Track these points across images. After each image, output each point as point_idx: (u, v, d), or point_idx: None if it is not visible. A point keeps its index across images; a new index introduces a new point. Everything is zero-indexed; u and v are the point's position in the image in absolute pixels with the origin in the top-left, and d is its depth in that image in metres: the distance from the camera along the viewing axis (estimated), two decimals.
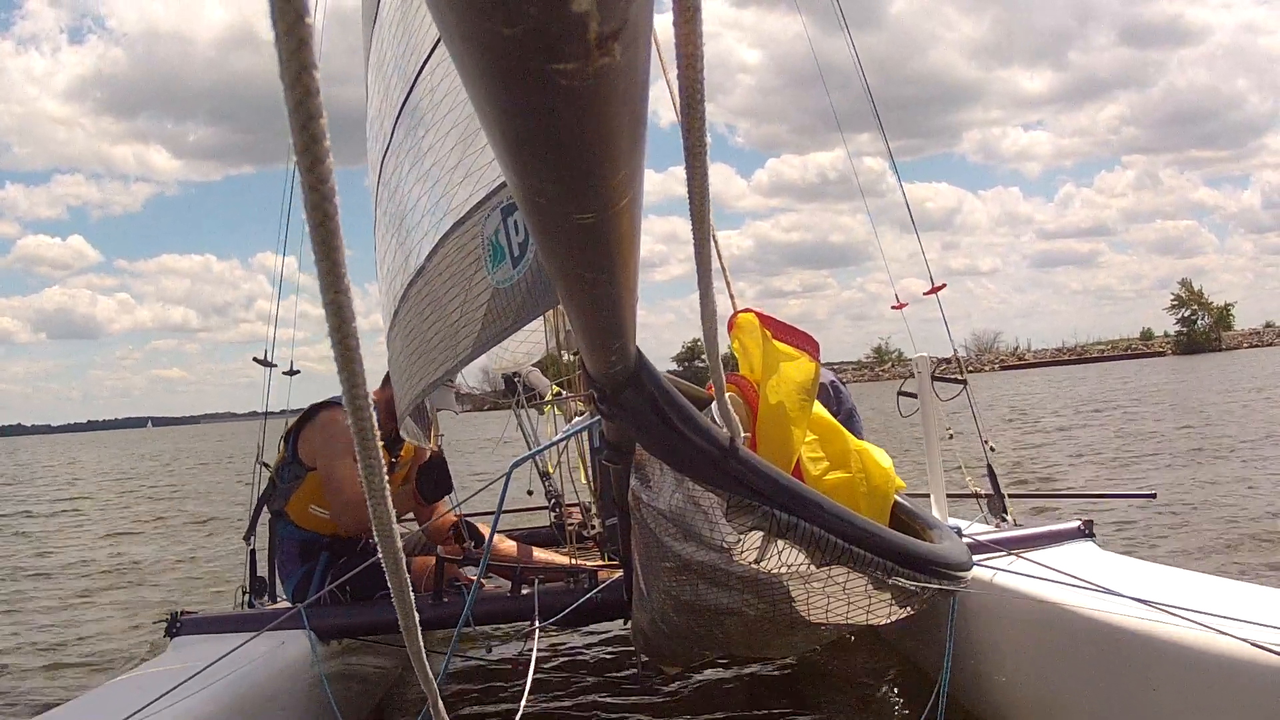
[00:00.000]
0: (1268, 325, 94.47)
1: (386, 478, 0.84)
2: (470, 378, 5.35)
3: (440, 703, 1.20)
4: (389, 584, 0.97)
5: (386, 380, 3.55)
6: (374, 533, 0.90)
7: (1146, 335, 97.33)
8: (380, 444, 0.83)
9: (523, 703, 2.78)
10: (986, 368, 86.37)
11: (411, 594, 1.00)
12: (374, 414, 0.80)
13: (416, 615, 1.02)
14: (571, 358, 4.93)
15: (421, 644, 1.07)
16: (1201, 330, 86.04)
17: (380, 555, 0.93)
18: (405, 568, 0.96)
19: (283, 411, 4.96)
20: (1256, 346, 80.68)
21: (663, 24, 0.80)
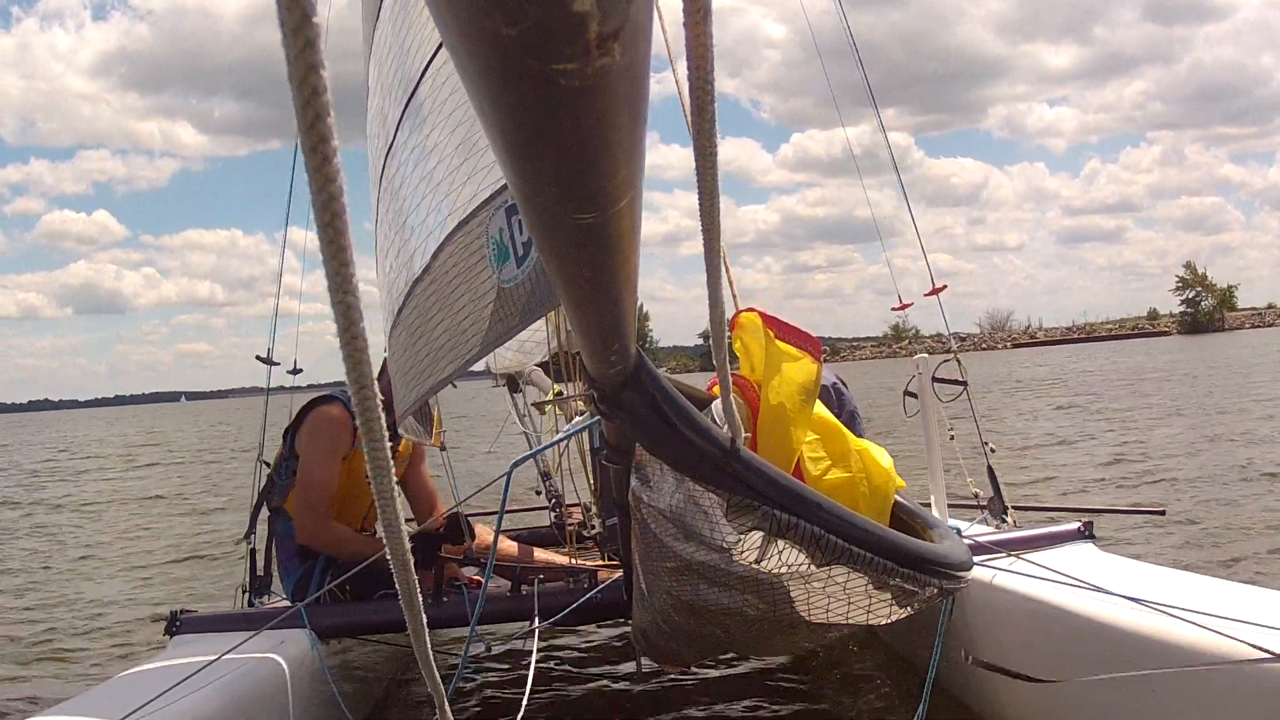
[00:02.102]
0: (1269, 306, 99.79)
1: (395, 480, 0.83)
2: (500, 359, 5.36)
3: (447, 705, 1.19)
4: (397, 587, 0.95)
5: (384, 369, 3.51)
6: (382, 533, 0.89)
7: (1153, 315, 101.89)
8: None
9: (524, 703, 2.78)
10: (999, 345, 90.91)
11: (420, 597, 0.99)
12: (380, 414, 0.79)
13: (424, 618, 1.02)
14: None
15: (429, 647, 1.06)
16: (1205, 311, 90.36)
17: (389, 557, 0.92)
18: (414, 570, 0.95)
19: (293, 387, 4.98)
20: (1259, 327, 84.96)
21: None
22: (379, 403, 0.78)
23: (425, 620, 1.02)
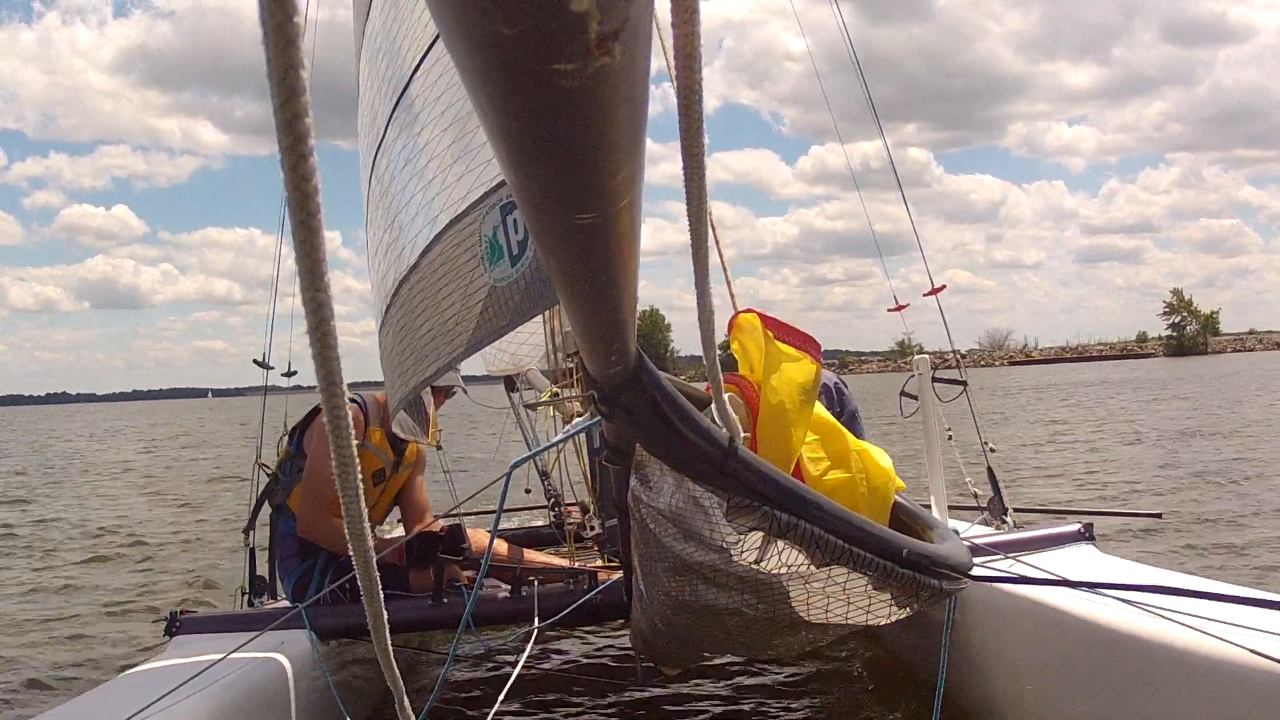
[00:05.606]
0: (1250, 332, 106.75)
1: (359, 472, 0.87)
2: (497, 359, 5.37)
3: (405, 699, 1.24)
4: (359, 581, 1.01)
5: None
6: (345, 526, 0.93)
7: (1142, 338, 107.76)
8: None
9: (500, 696, 2.79)
10: (996, 363, 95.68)
11: (380, 590, 1.04)
12: (349, 409, 0.82)
13: (384, 613, 1.07)
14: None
15: (389, 640, 1.12)
16: (1190, 335, 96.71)
17: (350, 549, 0.96)
18: (375, 564, 1.00)
19: (292, 386, 4.99)
20: (1239, 351, 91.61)
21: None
22: (346, 397, 0.80)
23: (385, 616, 1.07)
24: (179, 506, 12.94)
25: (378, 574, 1.01)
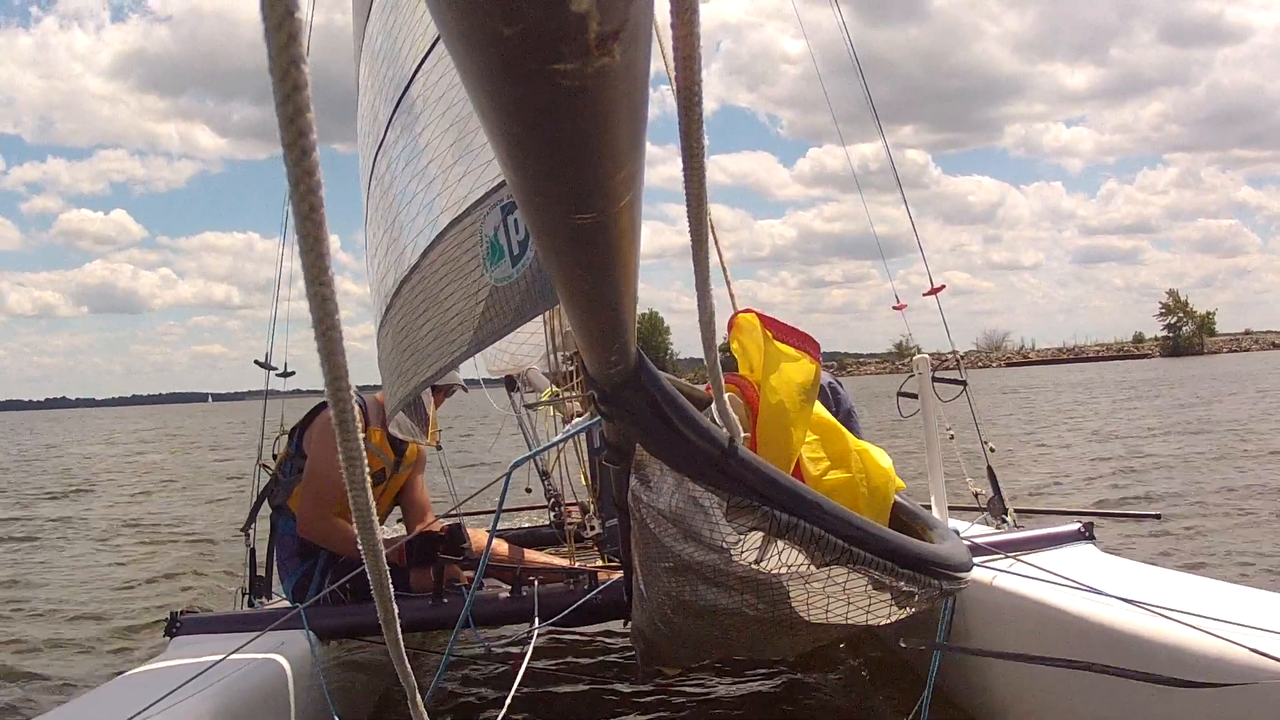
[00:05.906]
0: (1246, 332, 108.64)
1: (368, 469, 0.87)
2: (497, 359, 5.37)
3: (418, 695, 1.23)
4: (369, 576, 0.99)
5: None
6: (354, 523, 0.93)
7: (1138, 339, 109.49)
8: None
9: (508, 700, 2.78)
10: (993, 364, 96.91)
11: (390, 586, 1.03)
12: (356, 406, 0.83)
13: (395, 607, 1.05)
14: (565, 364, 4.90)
15: (400, 635, 1.10)
16: (1186, 336, 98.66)
17: (359, 545, 0.95)
18: (385, 560, 0.99)
19: (290, 390, 5.01)
20: (1235, 351, 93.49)
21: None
22: (352, 392, 0.81)
23: (396, 610, 1.06)
24: (215, 502, 13.26)
25: (386, 564, 1.00)
